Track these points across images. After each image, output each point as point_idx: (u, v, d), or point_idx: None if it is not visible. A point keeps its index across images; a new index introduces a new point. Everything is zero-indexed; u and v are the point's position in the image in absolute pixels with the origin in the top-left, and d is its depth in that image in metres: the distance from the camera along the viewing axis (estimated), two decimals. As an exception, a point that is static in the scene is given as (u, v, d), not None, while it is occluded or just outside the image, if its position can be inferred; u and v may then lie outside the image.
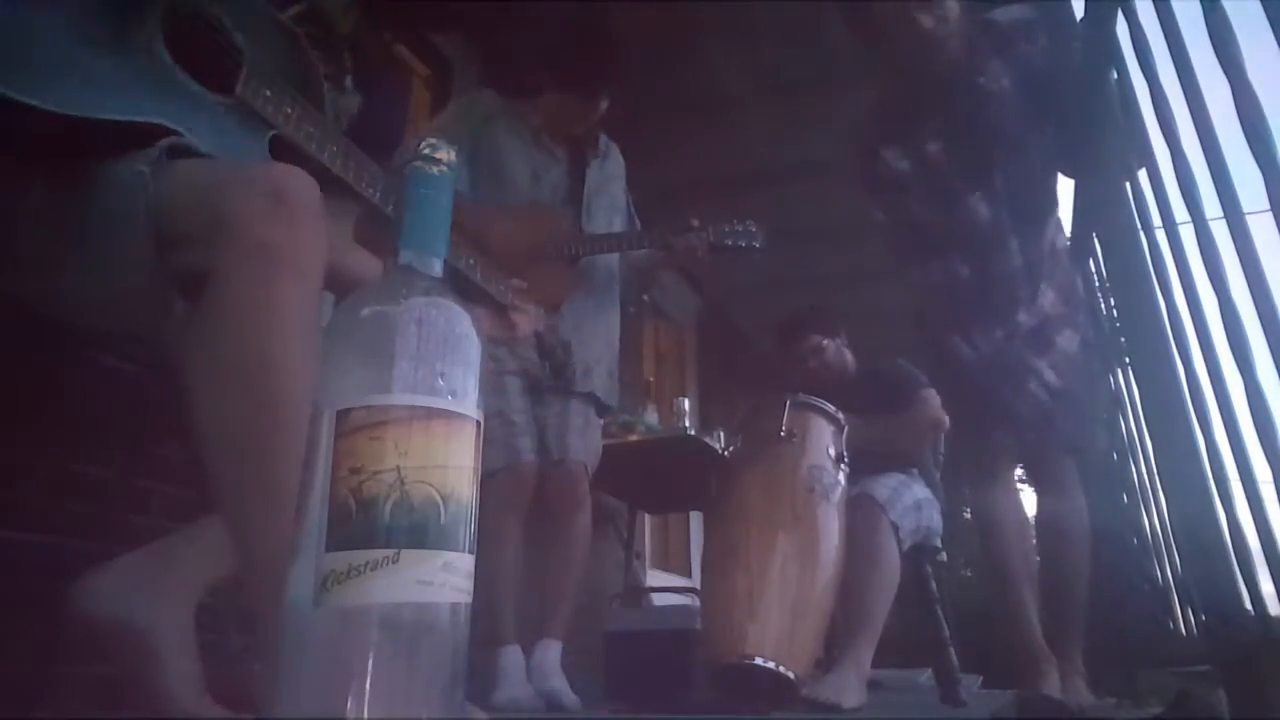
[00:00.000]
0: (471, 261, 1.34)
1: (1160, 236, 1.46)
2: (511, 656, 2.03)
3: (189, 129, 0.93)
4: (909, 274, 2.04)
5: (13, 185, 0.91)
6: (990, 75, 1.80)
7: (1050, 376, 1.89)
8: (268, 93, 1.03)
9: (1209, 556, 1.30)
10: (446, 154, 0.59)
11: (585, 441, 2.24)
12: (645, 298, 2.49)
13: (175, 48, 0.98)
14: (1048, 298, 1.90)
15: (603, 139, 2.39)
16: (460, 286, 1.34)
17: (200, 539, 0.96)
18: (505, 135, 2.21)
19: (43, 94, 0.84)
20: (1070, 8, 1.91)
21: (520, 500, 2.08)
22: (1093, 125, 1.72)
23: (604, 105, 2.25)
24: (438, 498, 0.49)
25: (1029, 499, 2.20)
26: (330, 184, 1.06)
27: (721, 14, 3.45)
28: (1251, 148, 0.92)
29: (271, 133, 1.03)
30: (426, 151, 0.59)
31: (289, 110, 1.05)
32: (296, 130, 1.05)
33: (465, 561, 0.51)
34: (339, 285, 1.28)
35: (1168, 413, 1.45)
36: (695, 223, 2.20)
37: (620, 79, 2.26)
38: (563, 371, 1.75)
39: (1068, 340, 1.92)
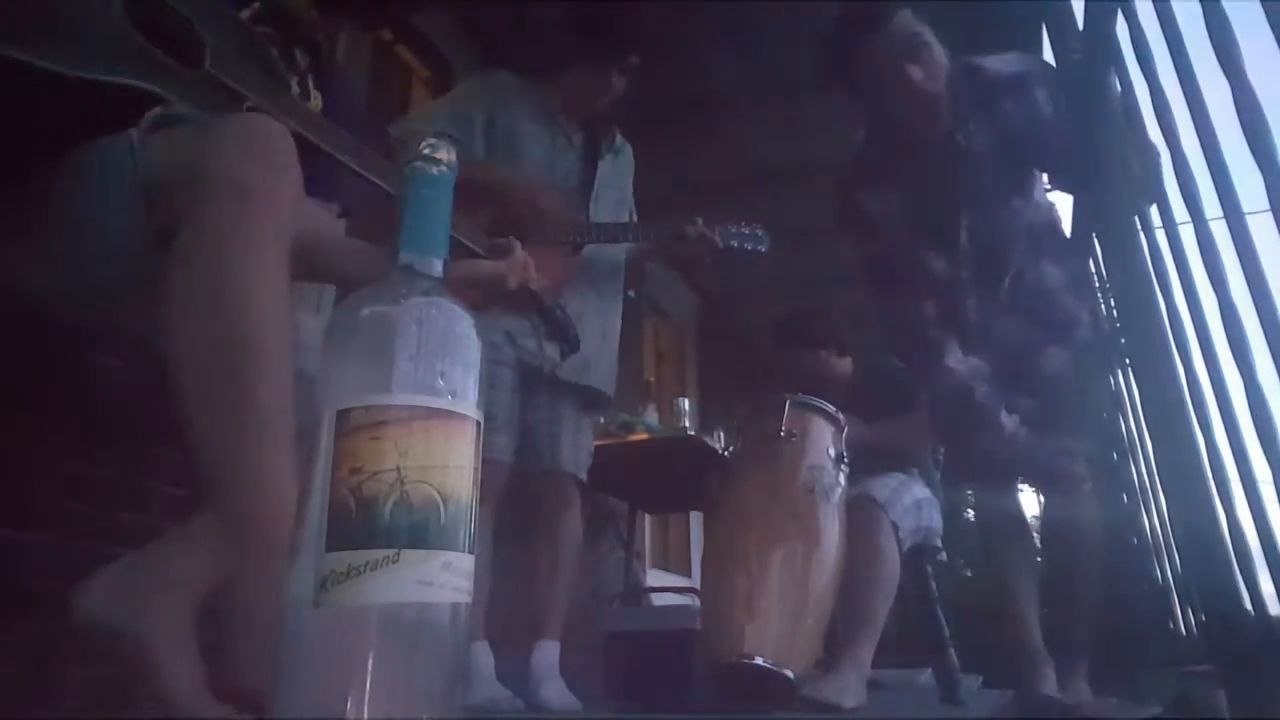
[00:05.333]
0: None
1: (1160, 236, 1.46)
2: (480, 654, 2.01)
3: (171, 96, 0.95)
4: (878, 314, 2.04)
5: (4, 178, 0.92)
6: (968, 132, 1.77)
7: (1024, 407, 1.85)
8: (234, 69, 1.05)
9: (1209, 556, 1.30)
10: (447, 154, 0.59)
11: (576, 449, 2.22)
12: (631, 293, 2.46)
13: (138, 26, 0.99)
14: (1010, 330, 1.88)
15: (618, 134, 2.38)
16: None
17: (198, 540, 0.96)
18: (523, 118, 2.19)
19: (43, 56, 0.86)
20: (1077, 20, 1.89)
21: (488, 496, 2.03)
22: (1092, 131, 1.72)
23: (622, 82, 2.23)
24: (438, 498, 0.49)
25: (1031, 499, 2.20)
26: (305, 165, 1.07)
27: (720, 13, 3.46)
28: (1251, 148, 0.92)
29: (246, 105, 1.05)
30: (426, 151, 0.59)
31: (257, 83, 1.07)
32: (268, 101, 1.07)
33: (465, 561, 0.51)
34: (331, 274, 1.28)
35: (1167, 412, 1.45)
36: (699, 220, 2.18)
37: (641, 49, 2.24)
38: (565, 333, 1.72)
39: (1051, 359, 1.88)
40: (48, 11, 0.91)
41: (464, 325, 0.56)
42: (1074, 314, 1.89)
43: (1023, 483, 2.11)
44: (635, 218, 2.43)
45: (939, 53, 1.75)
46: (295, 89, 1.25)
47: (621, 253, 2.33)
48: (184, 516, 0.99)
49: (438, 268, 0.58)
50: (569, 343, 1.74)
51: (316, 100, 1.29)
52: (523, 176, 2.13)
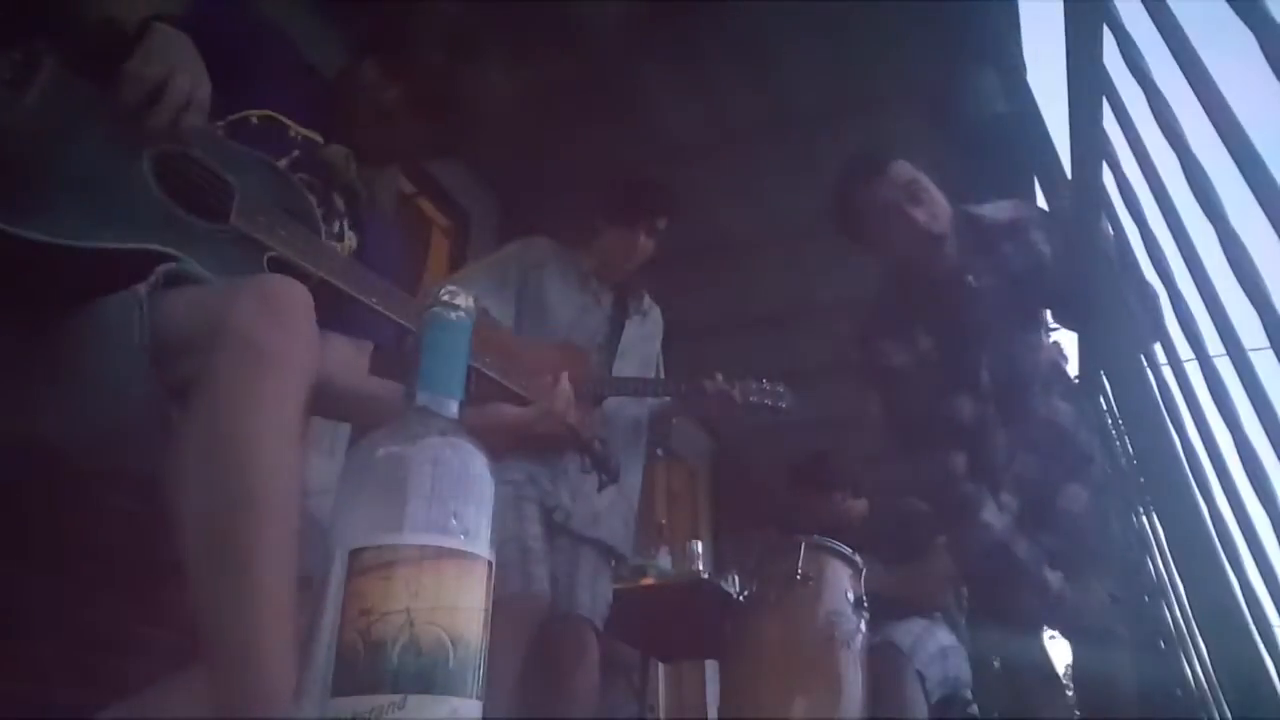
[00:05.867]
0: (489, 359, 1.35)
1: (1168, 373, 1.47)
2: None
3: (187, 255, 0.98)
4: (903, 467, 2.04)
5: (12, 325, 0.94)
6: (977, 273, 1.84)
7: (1051, 547, 1.81)
8: (261, 219, 1.07)
9: (1257, 701, 1.23)
10: (465, 300, 0.62)
11: (593, 595, 2.17)
12: (660, 451, 2.46)
13: (167, 185, 1.03)
14: (1034, 465, 1.87)
15: (646, 297, 2.46)
16: (483, 387, 1.34)
17: (190, 689, 0.93)
18: (554, 278, 2.28)
19: (37, 227, 0.88)
20: (1057, 158, 2.00)
21: (526, 634, 1.94)
22: (1089, 272, 1.77)
23: (650, 244, 2.32)
24: (447, 640, 0.48)
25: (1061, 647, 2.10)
26: (337, 305, 1.07)
27: (725, 162, 3.65)
28: (1245, 291, 0.95)
29: (268, 254, 1.07)
30: (445, 297, 0.62)
31: (283, 232, 1.09)
32: (291, 249, 1.09)
33: (473, 708, 0.49)
34: (353, 413, 1.28)
35: (1196, 552, 1.41)
36: (719, 376, 2.22)
37: (672, 213, 2.34)
38: (605, 464, 1.69)
39: (1071, 498, 1.86)
40: (63, 173, 0.95)
41: (478, 465, 0.56)
42: (1087, 450, 1.87)
43: (1053, 633, 2.02)
44: (663, 375, 2.47)
45: (939, 195, 1.83)
46: (335, 229, 1.30)
47: (644, 410, 2.35)
48: (184, 664, 0.97)
49: (453, 408, 0.59)
50: (609, 473, 1.73)
51: (351, 241, 1.34)
52: (547, 334, 2.20)
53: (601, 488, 1.90)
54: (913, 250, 1.85)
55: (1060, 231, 1.88)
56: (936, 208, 1.82)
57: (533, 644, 2.00)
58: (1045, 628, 1.90)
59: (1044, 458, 1.85)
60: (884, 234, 1.86)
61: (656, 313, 2.49)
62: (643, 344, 2.41)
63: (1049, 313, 2.00)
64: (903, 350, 1.92)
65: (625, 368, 2.31)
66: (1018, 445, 1.86)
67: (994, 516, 1.80)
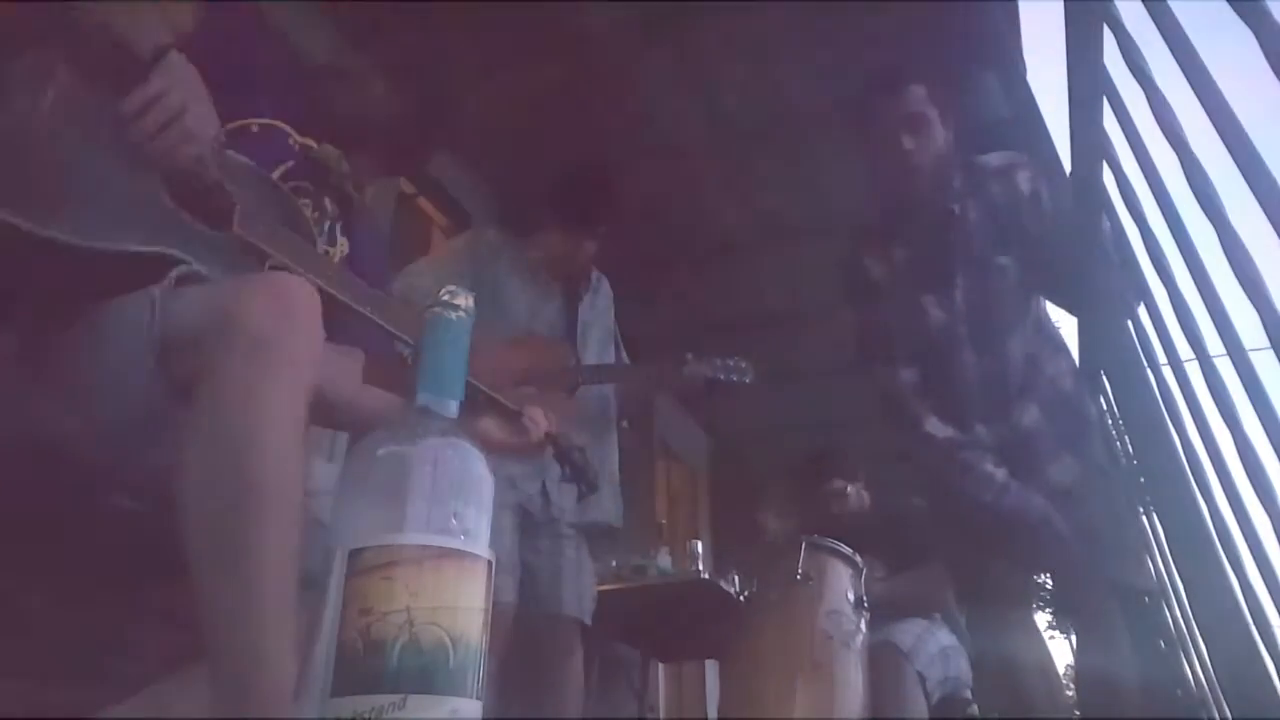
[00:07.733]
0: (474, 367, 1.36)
1: (1167, 373, 1.47)
2: None
3: (197, 259, 0.99)
4: (870, 377, 2.07)
5: (21, 323, 0.95)
6: (962, 206, 1.88)
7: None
8: (262, 228, 1.09)
9: (1256, 702, 1.24)
10: (465, 300, 0.62)
11: (578, 590, 2.18)
12: (625, 423, 2.51)
13: (173, 195, 1.04)
14: (1030, 413, 1.88)
15: (594, 273, 2.48)
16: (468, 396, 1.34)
17: (191, 688, 0.93)
18: (506, 271, 2.29)
19: (59, 228, 0.89)
20: (1057, 157, 2.01)
21: (496, 640, 1.95)
22: (1086, 264, 1.77)
23: (594, 245, 2.35)
24: (447, 640, 0.48)
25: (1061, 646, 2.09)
26: (330, 315, 1.09)
27: (724, 163, 3.66)
28: (1245, 291, 0.95)
29: (269, 263, 1.08)
30: (445, 298, 0.61)
31: (282, 241, 1.11)
32: (292, 258, 1.10)
33: (473, 709, 0.49)
34: (350, 422, 1.29)
35: (1196, 553, 1.41)
36: (689, 357, 2.28)
37: (615, 219, 2.37)
38: (585, 474, 1.71)
39: (1063, 471, 1.86)
40: (74, 179, 0.96)
41: (479, 466, 0.56)
42: (1087, 416, 1.89)
43: (1050, 615, 2.02)
44: (621, 346, 2.50)
45: (938, 132, 1.86)
46: (325, 233, 1.31)
47: (608, 388, 2.39)
48: (179, 664, 0.96)
49: (453, 409, 0.59)
50: (588, 484, 1.74)
51: (343, 245, 1.35)
52: (505, 327, 2.21)
53: (580, 498, 1.91)
54: (891, 175, 1.89)
55: (1045, 174, 1.90)
56: (929, 141, 1.85)
57: (507, 647, 1.99)
58: (999, 530, 1.89)
59: (1047, 414, 1.87)
60: (873, 150, 1.90)
61: (605, 285, 2.52)
62: (599, 320, 2.44)
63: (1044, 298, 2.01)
64: (880, 264, 1.97)
65: (588, 347, 2.35)
66: (1021, 395, 1.87)
67: (936, 428, 1.84)
